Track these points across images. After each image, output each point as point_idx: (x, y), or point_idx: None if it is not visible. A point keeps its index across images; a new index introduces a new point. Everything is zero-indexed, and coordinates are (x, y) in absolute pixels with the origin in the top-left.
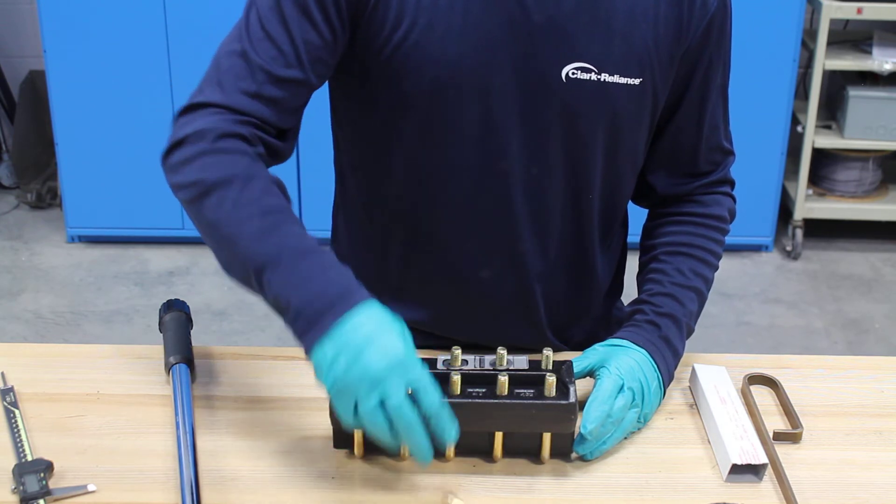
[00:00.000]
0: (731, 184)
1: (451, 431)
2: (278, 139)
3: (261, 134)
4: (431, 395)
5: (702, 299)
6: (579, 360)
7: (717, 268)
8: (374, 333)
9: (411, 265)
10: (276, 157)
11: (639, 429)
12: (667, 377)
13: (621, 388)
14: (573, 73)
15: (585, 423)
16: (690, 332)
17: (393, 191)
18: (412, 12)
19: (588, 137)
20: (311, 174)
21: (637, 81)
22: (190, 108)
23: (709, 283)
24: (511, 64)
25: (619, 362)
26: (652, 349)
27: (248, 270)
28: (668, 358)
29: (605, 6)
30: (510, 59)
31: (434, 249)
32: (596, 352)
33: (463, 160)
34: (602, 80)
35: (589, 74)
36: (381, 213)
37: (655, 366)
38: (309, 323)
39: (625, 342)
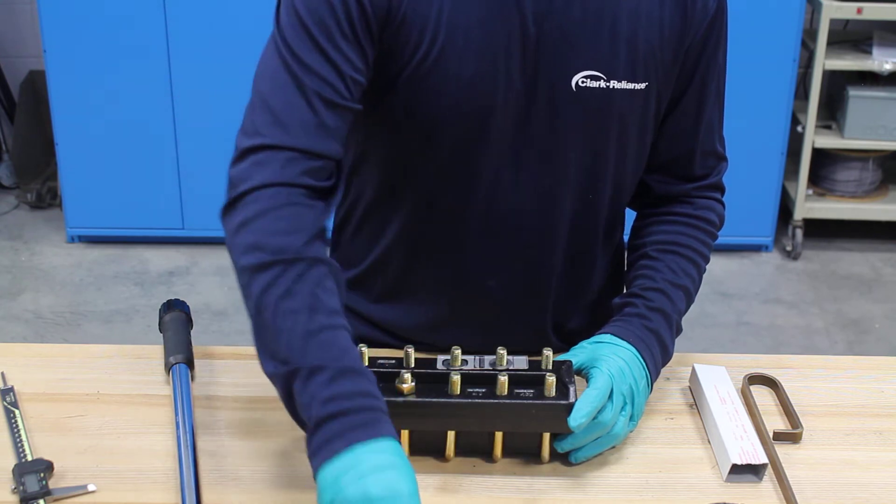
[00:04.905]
0: (722, 190)
1: None
2: (334, 178)
3: (326, 175)
4: None
5: (689, 299)
6: (565, 357)
7: (704, 270)
8: (383, 465)
9: (415, 272)
10: (333, 198)
11: (631, 430)
12: (654, 372)
13: (611, 394)
14: (583, 82)
15: (574, 417)
16: (679, 330)
17: (406, 203)
18: (432, 31)
19: (599, 145)
20: None
21: (643, 86)
22: (250, 151)
23: (696, 284)
24: (522, 76)
25: (609, 364)
26: (640, 345)
27: (280, 369)
28: (655, 353)
29: (610, 11)
30: (521, 71)
31: (441, 258)
32: (583, 349)
33: (478, 174)
34: (611, 87)
35: (598, 82)
36: (391, 220)
37: (643, 362)
38: (327, 441)
39: (612, 338)
